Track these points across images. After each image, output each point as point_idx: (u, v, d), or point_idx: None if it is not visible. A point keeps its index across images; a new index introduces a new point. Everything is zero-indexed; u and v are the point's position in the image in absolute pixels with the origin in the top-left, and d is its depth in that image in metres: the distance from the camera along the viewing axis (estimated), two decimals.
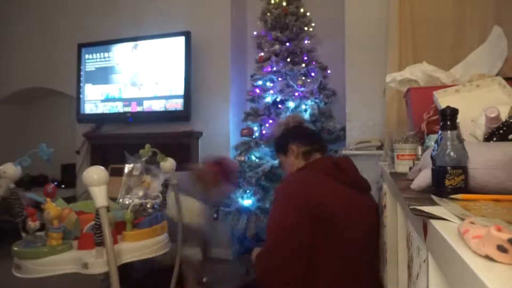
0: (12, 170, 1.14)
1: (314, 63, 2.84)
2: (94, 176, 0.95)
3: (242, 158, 2.76)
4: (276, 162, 2.62)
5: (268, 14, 2.90)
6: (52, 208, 1.05)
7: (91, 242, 1.05)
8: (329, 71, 2.97)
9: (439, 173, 0.65)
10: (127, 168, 1.39)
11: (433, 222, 0.50)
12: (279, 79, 2.81)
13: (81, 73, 3.51)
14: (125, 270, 1.37)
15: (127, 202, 1.26)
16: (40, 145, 1.19)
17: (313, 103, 2.72)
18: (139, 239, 1.18)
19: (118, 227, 1.19)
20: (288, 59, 2.84)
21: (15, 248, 1.09)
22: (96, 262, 1.02)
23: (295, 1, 2.92)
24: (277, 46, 2.84)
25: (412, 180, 0.79)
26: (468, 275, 0.34)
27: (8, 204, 1.13)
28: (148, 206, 1.33)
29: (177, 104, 3.15)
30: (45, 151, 1.19)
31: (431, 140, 1.03)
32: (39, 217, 1.10)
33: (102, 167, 0.99)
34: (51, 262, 1.05)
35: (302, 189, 1.22)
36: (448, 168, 0.63)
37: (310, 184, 1.24)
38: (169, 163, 1.54)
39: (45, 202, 1.07)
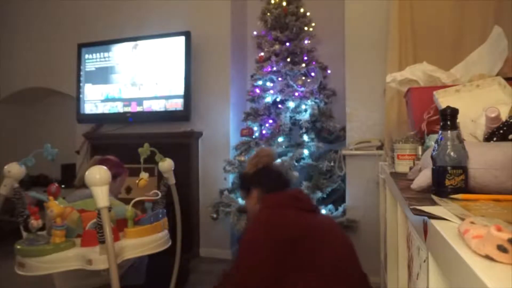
0: (16, 169, 1.15)
1: (314, 63, 2.84)
2: (96, 176, 0.96)
3: (242, 158, 2.75)
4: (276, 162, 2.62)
5: (268, 14, 2.89)
6: (55, 206, 1.06)
7: (94, 239, 1.06)
8: (329, 71, 2.97)
9: (439, 173, 0.65)
10: None
11: (433, 222, 0.50)
12: (279, 79, 2.81)
13: (81, 73, 3.51)
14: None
15: None
16: (45, 146, 1.20)
17: (313, 103, 2.72)
18: (140, 235, 1.19)
19: (120, 224, 1.20)
20: (288, 59, 2.84)
21: (18, 247, 1.09)
22: (100, 258, 1.03)
23: (295, 1, 2.91)
24: (277, 46, 2.84)
25: (412, 180, 0.79)
26: (468, 275, 0.34)
27: (12, 203, 1.13)
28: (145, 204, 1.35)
29: (177, 104, 3.15)
30: (50, 151, 1.19)
31: (431, 140, 1.03)
32: (41, 216, 1.11)
33: (104, 167, 1.00)
34: (56, 259, 1.06)
35: (270, 227, 1.27)
36: (448, 168, 0.63)
37: (277, 221, 1.30)
38: (167, 163, 1.54)
39: (48, 200, 1.08)
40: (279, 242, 1.22)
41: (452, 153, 0.63)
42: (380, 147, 2.32)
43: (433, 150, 0.67)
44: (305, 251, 1.23)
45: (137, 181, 1.42)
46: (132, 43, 3.35)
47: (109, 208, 1.01)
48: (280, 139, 2.70)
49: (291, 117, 2.74)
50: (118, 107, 3.37)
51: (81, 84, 3.51)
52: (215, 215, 2.76)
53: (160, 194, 1.41)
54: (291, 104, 2.74)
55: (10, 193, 1.14)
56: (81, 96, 3.50)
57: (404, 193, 0.74)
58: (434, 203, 0.60)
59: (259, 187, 1.49)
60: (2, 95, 4.08)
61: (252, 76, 2.97)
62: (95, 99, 3.46)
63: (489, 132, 0.79)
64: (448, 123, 0.65)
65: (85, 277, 1.34)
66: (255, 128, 2.85)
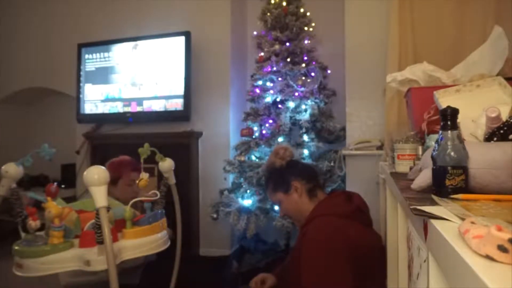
0: (14, 170, 1.14)
1: (314, 63, 2.84)
2: (95, 176, 0.96)
3: (242, 158, 2.75)
4: None
5: (268, 14, 2.89)
6: (53, 206, 1.05)
7: (92, 240, 1.05)
8: (329, 71, 2.96)
9: (439, 173, 0.65)
10: None
11: (434, 222, 0.50)
12: (279, 79, 2.80)
13: (81, 73, 3.51)
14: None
15: None
16: (42, 145, 1.19)
17: (313, 103, 2.72)
18: (139, 236, 1.19)
19: (118, 225, 1.19)
20: (288, 59, 2.84)
21: (16, 247, 1.09)
22: (98, 259, 1.03)
23: (295, 1, 2.91)
24: (277, 46, 2.83)
25: (412, 180, 0.79)
26: (468, 275, 0.34)
27: (11, 203, 1.13)
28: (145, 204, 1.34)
29: (177, 104, 3.15)
30: (47, 151, 1.19)
31: (431, 140, 1.02)
32: (39, 216, 1.10)
33: (103, 167, 1.00)
34: (53, 260, 1.05)
35: (339, 238, 1.16)
36: (449, 168, 0.63)
37: (344, 231, 1.19)
38: (167, 163, 1.54)
39: (46, 201, 1.07)
40: (357, 260, 1.13)
41: (452, 153, 0.63)
42: (380, 147, 2.31)
43: (433, 150, 0.67)
44: (365, 273, 1.15)
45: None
46: (132, 43, 3.35)
47: (108, 208, 1.01)
48: (280, 139, 2.70)
49: (291, 117, 2.73)
50: (118, 107, 3.37)
51: (81, 84, 3.51)
52: (215, 215, 2.76)
53: (159, 194, 1.41)
54: (291, 104, 2.74)
55: (8, 193, 1.13)
56: (81, 96, 3.50)
57: (404, 193, 0.74)
58: (434, 203, 0.60)
59: (299, 178, 1.39)
60: (2, 95, 4.08)
61: (252, 76, 2.96)
62: (95, 99, 3.46)
63: (490, 132, 0.79)
64: (449, 123, 0.65)
65: (86, 273, 1.33)
66: (255, 128, 2.85)
